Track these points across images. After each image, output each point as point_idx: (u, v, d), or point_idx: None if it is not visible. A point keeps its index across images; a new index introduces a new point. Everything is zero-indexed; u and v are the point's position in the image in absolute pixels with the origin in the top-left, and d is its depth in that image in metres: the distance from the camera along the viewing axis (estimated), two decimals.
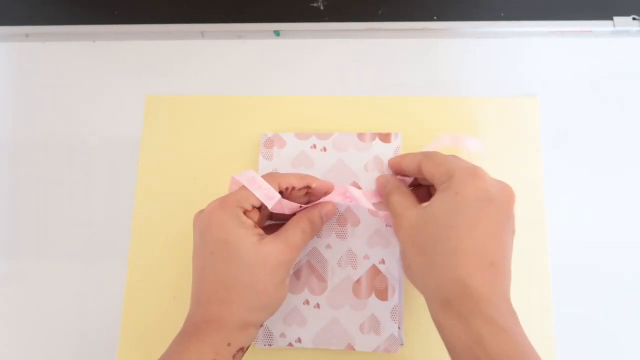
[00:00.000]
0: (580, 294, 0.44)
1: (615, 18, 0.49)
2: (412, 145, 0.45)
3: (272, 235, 0.36)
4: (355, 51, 0.50)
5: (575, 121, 0.47)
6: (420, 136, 0.46)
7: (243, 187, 0.36)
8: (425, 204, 0.35)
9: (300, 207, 0.39)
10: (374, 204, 0.41)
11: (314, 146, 0.45)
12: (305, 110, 0.47)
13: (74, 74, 0.51)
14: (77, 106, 0.50)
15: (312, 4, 0.52)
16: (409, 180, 0.41)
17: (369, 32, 0.50)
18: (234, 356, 0.34)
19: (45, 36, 0.52)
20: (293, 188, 0.38)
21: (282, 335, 0.41)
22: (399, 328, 0.41)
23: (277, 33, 0.51)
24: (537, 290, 0.43)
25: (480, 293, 0.31)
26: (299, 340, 0.41)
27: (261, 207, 0.37)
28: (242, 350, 0.35)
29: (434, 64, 0.49)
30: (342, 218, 0.43)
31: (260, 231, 0.36)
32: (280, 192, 0.37)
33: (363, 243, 0.42)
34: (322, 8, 0.52)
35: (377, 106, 0.47)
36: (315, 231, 0.39)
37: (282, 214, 0.39)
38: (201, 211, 0.37)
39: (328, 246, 0.42)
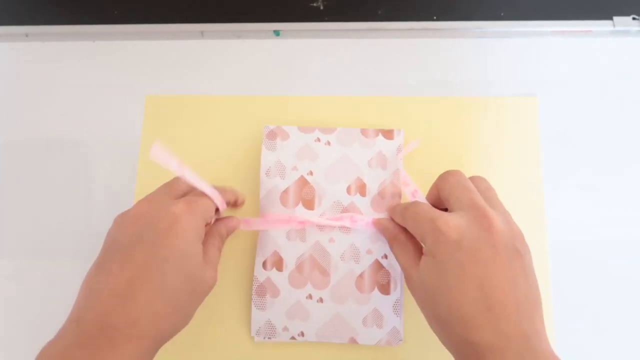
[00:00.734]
0: (581, 294, 0.44)
1: (615, 18, 0.49)
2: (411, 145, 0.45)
3: (204, 259, 0.35)
4: (355, 51, 0.50)
5: (575, 121, 0.47)
6: (419, 136, 0.46)
7: (205, 197, 0.36)
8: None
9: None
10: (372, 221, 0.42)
11: (318, 139, 0.45)
12: (306, 110, 0.47)
13: (74, 74, 0.51)
14: (76, 106, 0.50)
15: (311, 4, 0.52)
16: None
17: (368, 32, 0.50)
18: None
19: (45, 36, 0.52)
20: (228, 202, 0.40)
21: (285, 329, 0.41)
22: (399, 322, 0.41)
23: (276, 33, 0.51)
24: None
25: (485, 344, 0.29)
26: (302, 334, 0.41)
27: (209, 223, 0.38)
28: None
29: (434, 63, 0.49)
30: (345, 213, 0.43)
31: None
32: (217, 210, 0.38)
33: (366, 238, 0.42)
34: (321, 8, 0.52)
35: (377, 106, 0.47)
36: (222, 245, 0.40)
37: None
38: (167, 207, 0.34)
39: (331, 240, 0.42)
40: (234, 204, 0.41)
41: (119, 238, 0.34)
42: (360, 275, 0.42)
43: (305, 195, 0.43)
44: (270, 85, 0.49)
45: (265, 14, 0.51)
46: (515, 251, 0.32)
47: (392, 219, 0.41)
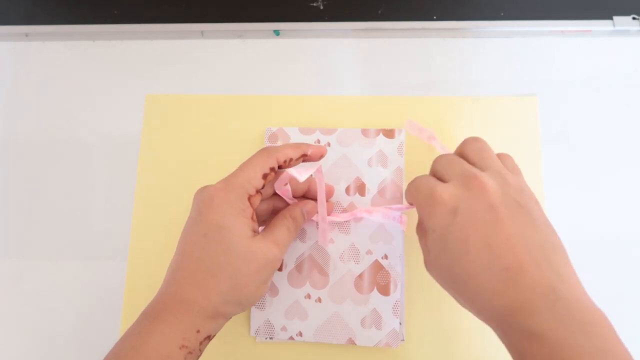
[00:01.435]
0: None
1: (615, 18, 0.49)
2: (413, 144, 0.45)
3: (261, 234, 0.36)
4: (355, 51, 0.50)
5: (575, 120, 0.47)
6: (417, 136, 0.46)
7: (250, 165, 0.36)
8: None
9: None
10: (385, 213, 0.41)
11: (318, 141, 0.45)
12: (306, 110, 0.47)
13: (74, 74, 0.51)
14: (77, 105, 0.50)
15: (311, 4, 0.52)
16: None
17: (368, 31, 0.50)
18: (201, 343, 0.33)
19: (45, 36, 0.52)
20: (291, 159, 0.37)
21: (283, 328, 0.42)
22: (400, 324, 0.41)
23: (276, 32, 0.51)
24: None
25: (507, 307, 0.29)
26: (300, 334, 0.41)
27: (264, 188, 0.37)
28: (209, 338, 0.34)
29: (434, 63, 0.49)
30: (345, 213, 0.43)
31: (255, 225, 0.36)
32: (280, 166, 0.37)
33: (366, 238, 0.42)
34: (321, 8, 0.52)
35: (377, 106, 0.47)
36: (298, 229, 0.39)
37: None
38: (204, 188, 0.36)
39: (331, 240, 0.43)
40: (305, 157, 0.38)
41: (184, 228, 0.37)
42: (360, 276, 0.42)
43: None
44: (271, 85, 0.49)
45: (265, 13, 0.51)
46: (516, 204, 0.31)
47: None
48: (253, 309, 0.42)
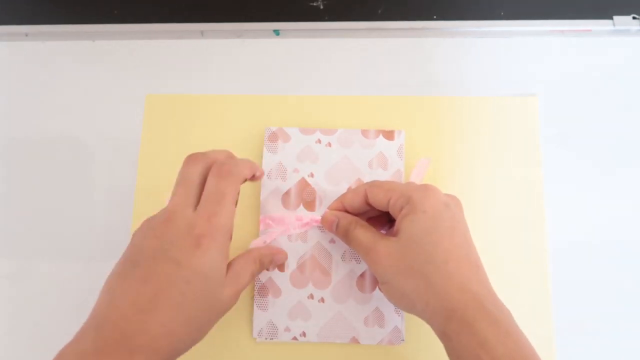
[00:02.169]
0: (581, 294, 0.44)
1: (615, 17, 0.49)
2: (413, 144, 0.45)
3: (228, 280, 0.35)
4: (355, 50, 0.50)
5: (575, 120, 0.47)
6: (419, 135, 0.46)
7: (227, 203, 0.34)
8: (393, 233, 0.36)
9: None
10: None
11: (319, 141, 0.45)
12: (306, 109, 0.47)
13: (73, 74, 0.51)
14: (76, 105, 0.50)
15: (311, 3, 0.52)
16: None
17: (368, 31, 0.50)
18: None
19: (45, 35, 0.52)
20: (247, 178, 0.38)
21: (287, 329, 0.42)
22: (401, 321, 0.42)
23: (276, 32, 0.51)
24: (537, 289, 0.43)
25: (481, 295, 0.32)
26: (304, 335, 0.42)
27: None
28: None
29: (434, 63, 0.49)
30: None
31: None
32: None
33: None
34: (321, 7, 0.52)
35: (377, 105, 0.47)
36: (259, 272, 0.39)
37: None
38: (171, 227, 0.33)
39: (332, 241, 0.43)
40: (251, 178, 0.39)
41: (144, 248, 0.34)
42: (362, 275, 0.42)
43: (307, 196, 0.43)
44: (270, 84, 0.49)
45: (265, 13, 0.51)
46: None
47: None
48: (256, 310, 0.42)
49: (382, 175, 0.44)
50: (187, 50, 0.51)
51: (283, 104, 0.48)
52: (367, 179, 0.44)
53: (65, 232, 0.47)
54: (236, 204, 0.36)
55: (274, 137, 0.45)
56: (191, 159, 0.37)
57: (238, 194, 0.36)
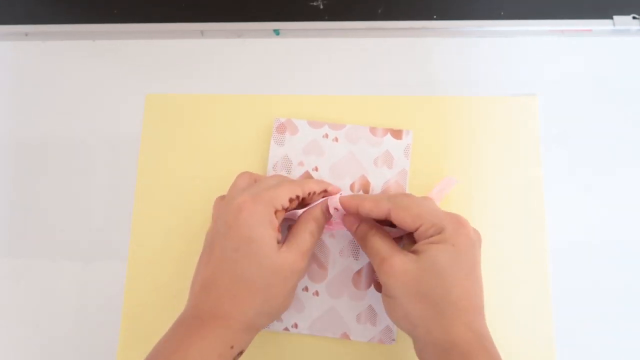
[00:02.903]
0: (580, 294, 0.44)
1: (615, 17, 0.49)
2: (419, 148, 0.45)
3: (286, 245, 0.36)
4: (355, 50, 0.50)
5: (575, 120, 0.47)
6: (419, 135, 0.46)
7: (280, 187, 0.37)
8: (412, 251, 0.36)
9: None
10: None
11: (326, 135, 0.45)
12: (306, 109, 0.47)
13: (73, 73, 0.51)
14: (76, 105, 0.50)
15: (311, 3, 0.52)
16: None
17: (368, 31, 0.50)
18: (234, 359, 0.34)
19: (45, 35, 0.52)
20: (314, 193, 0.39)
21: (279, 319, 0.42)
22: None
23: (276, 32, 0.51)
24: (537, 290, 0.43)
25: (481, 332, 0.34)
26: (296, 326, 0.42)
27: (287, 209, 0.38)
28: (241, 353, 0.35)
29: (434, 63, 0.49)
30: None
31: (280, 236, 0.37)
32: (303, 198, 0.39)
33: None
34: (321, 7, 0.52)
35: (376, 105, 0.47)
36: (321, 229, 0.39)
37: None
38: (223, 198, 0.37)
39: (332, 236, 0.43)
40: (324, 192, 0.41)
41: (207, 236, 0.38)
42: (358, 272, 0.42)
43: None
44: (270, 84, 0.49)
45: (265, 13, 0.51)
46: None
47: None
48: None
49: (387, 174, 0.44)
50: (187, 50, 0.51)
51: (285, 103, 0.48)
52: (371, 176, 0.44)
53: (65, 232, 0.47)
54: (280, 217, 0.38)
55: (282, 128, 0.45)
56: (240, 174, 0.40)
57: (297, 201, 0.38)
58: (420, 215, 0.36)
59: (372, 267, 0.41)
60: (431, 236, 0.35)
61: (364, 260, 0.42)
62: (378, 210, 0.37)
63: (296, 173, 0.44)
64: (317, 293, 0.42)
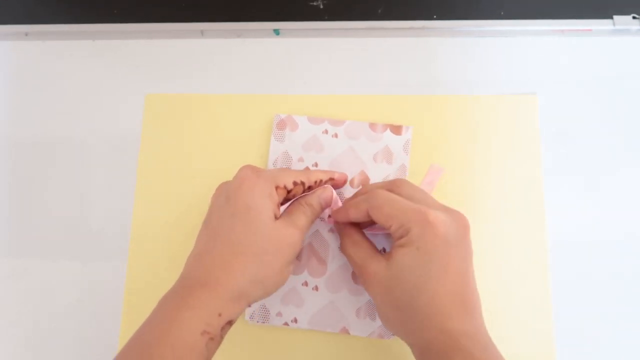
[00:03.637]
0: (580, 294, 0.44)
1: (615, 17, 0.49)
2: (413, 142, 0.45)
3: (282, 218, 0.37)
4: (355, 50, 0.50)
5: (575, 119, 0.47)
6: (419, 134, 0.46)
7: (287, 170, 0.38)
8: (387, 259, 0.36)
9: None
10: None
11: (326, 131, 0.45)
12: (305, 109, 0.47)
13: (73, 73, 0.51)
14: (76, 105, 0.50)
15: (311, 3, 0.52)
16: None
17: (368, 30, 0.50)
18: (222, 328, 0.34)
19: (45, 35, 0.52)
20: (320, 181, 0.40)
21: (279, 314, 0.42)
22: None
23: (276, 32, 0.51)
24: (536, 290, 0.43)
25: (459, 331, 0.33)
26: (295, 321, 0.42)
27: (290, 191, 0.38)
28: (230, 323, 0.34)
29: (434, 62, 0.49)
30: None
31: (278, 212, 0.37)
32: (310, 187, 0.39)
33: (365, 230, 0.42)
34: (321, 7, 0.52)
35: (376, 105, 0.47)
36: (314, 215, 0.39)
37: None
38: (226, 181, 0.38)
39: (331, 230, 0.43)
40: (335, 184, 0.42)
41: (206, 215, 0.38)
42: None
43: None
44: (270, 84, 0.49)
45: (265, 13, 0.51)
46: (472, 256, 0.36)
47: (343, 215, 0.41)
48: None
49: (386, 169, 0.44)
50: (187, 49, 0.51)
51: (284, 103, 0.48)
52: (371, 172, 0.44)
53: (65, 232, 0.47)
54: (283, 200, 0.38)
55: (282, 124, 0.45)
56: None
57: (302, 186, 0.39)
58: (391, 215, 0.35)
59: None
60: (400, 237, 0.35)
61: None
62: (359, 214, 0.38)
63: (296, 168, 0.44)
64: (316, 288, 0.42)
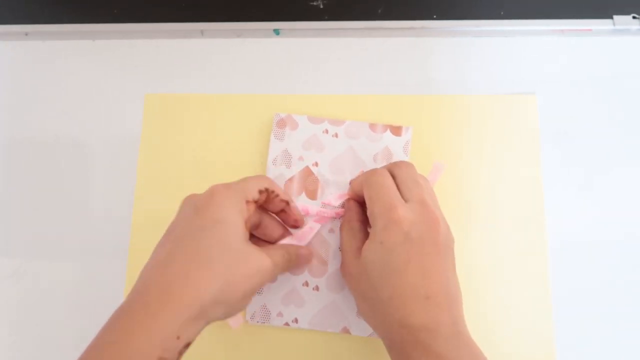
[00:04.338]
0: (580, 294, 0.44)
1: (615, 17, 0.49)
2: (413, 142, 0.45)
3: (256, 246, 0.35)
4: (355, 50, 0.50)
5: (574, 119, 0.47)
6: (418, 134, 0.46)
7: (249, 178, 0.37)
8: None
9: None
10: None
11: (326, 131, 0.45)
12: (305, 109, 0.47)
13: (73, 73, 0.51)
14: (76, 105, 0.50)
15: (311, 3, 0.52)
16: None
17: (368, 30, 0.50)
18: (180, 352, 0.30)
19: (45, 35, 0.52)
20: (277, 195, 0.39)
21: (279, 314, 0.42)
22: None
23: (276, 32, 0.51)
24: (536, 290, 0.43)
25: (419, 326, 0.33)
26: (296, 321, 0.42)
27: (257, 203, 0.37)
28: (187, 346, 0.31)
29: (433, 62, 0.49)
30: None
31: (247, 233, 0.35)
32: (274, 192, 0.38)
33: None
34: (321, 7, 0.52)
35: (376, 104, 0.47)
36: (289, 264, 0.38)
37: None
38: (194, 194, 0.36)
39: (331, 230, 0.43)
40: (290, 222, 0.41)
41: (169, 227, 0.36)
42: None
43: (309, 185, 0.44)
44: (270, 84, 0.49)
45: (265, 12, 0.51)
46: (450, 250, 0.36)
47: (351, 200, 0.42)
48: None
49: None
50: (187, 49, 0.51)
51: (284, 102, 0.48)
52: None
53: (65, 232, 0.47)
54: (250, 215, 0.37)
55: (282, 123, 0.45)
56: None
57: (266, 194, 0.38)
58: (372, 200, 0.37)
59: None
60: (371, 229, 0.36)
61: None
62: (358, 187, 0.40)
63: (296, 168, 0.44)
64: (317, 288, 0.42)
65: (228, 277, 0.32)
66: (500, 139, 0.46)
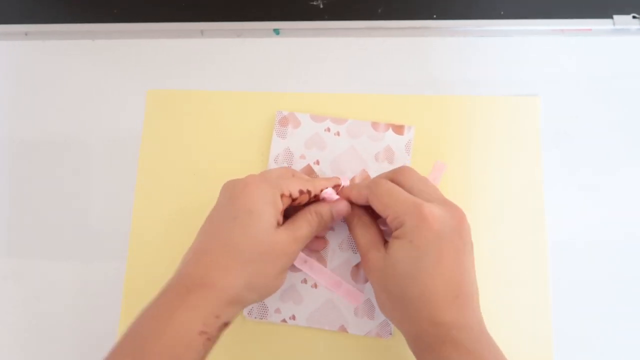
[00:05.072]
0: (580, 294, 0.44)
1: (615, 16, 0.49)
2: (421, 143, 0.46)
3: (284, 226, 0.37)
4: (355, 50, 0.50)
5: (575, 119, 0.47)
6: (420, 134, 0.46)
7: (288, 177, 0.38)
8: (386, 249, 0.36)
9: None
10: None
11: (328, 129, 0.45)
12: (306, 107, 0.47)
13: (73, 73, 0.51)
14: (76, 105, 0.50)
15: (311, 3, 0.52)
16: None
17: (368, 30, 0.50)
18: (219, 329, 0.34)
19: (44, 35, 0.52)
20: (316, 195, 0.39)
21: (277, 310, 0.42)
22: None
23: (276, 31, 0.51)
24: (536, 290, 0.43)
25: (450, 323, 0.33)
26: (293, 318, 0.42)
27: (294, 200, 0.38)
28: (227, 325, 0.35)
29: (433, 62, 0.49)
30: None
31: (281, 219, 0.37)
32: (315, 195, 0.39)
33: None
34: (321, 6, 0.52)
35: (377, 104, 0.47)
36: (321, 225, 0.39)
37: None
38: (233, 179, 0.38)
39: (331, 229, 0.43)
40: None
41: (211, 212, 0.38)
42: (356, 266, 0.43)
43: None
44: (270, 84, 0.49)
45: (265, 12, 0.51)
46: (472, 247, 0.36)
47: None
48: None
49: (388, 169, 0.44)
50: (187, 49, 0.51)
51: (286, 100, 0.48)
52: (372, 170, 0.44)
53: (65, 232, 0.47)
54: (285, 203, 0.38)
55: (284, 121, 0.46)
56: None
57: (307, 195, 0.38)
58: (388, 206, 0.36)
59: None
60: (395, 229, 0.36)
61: None
62: (360, 198, 0.39)
63: (297, 166, 0.45)
64: (315, 285, 0.43)
65: (257, 265, 0.35)
66: (502, 139, 0.46)
